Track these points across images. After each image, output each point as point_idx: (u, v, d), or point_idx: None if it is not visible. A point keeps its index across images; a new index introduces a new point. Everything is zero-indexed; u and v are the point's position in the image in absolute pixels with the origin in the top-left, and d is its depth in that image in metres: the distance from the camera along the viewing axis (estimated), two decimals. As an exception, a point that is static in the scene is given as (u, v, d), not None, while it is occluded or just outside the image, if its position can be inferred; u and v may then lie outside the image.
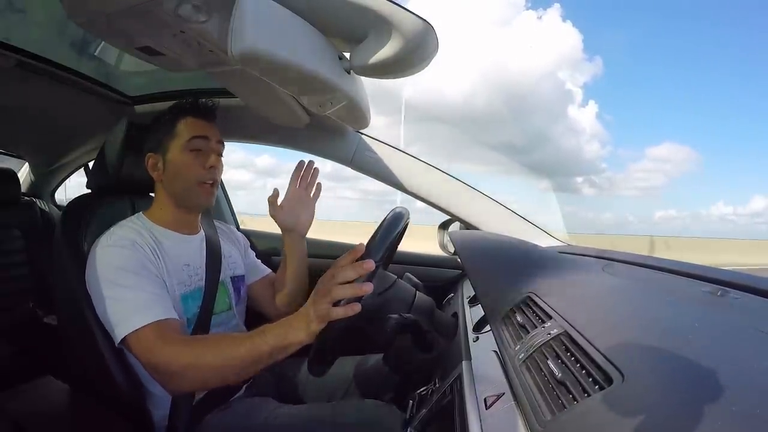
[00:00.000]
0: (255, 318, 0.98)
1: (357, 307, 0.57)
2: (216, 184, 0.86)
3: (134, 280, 0.70)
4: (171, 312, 0.71)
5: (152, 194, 1.00)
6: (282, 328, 0.61)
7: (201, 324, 0.80)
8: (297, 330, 0.59)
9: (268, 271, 1.05)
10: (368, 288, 0.57)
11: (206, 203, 0.85)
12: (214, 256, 0.88)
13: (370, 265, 0.57)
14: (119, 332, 0.67)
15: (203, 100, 0.87)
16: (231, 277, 0.92)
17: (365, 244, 0.60)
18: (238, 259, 0.97)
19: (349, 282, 0.57)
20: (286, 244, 0.95)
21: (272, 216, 0.91)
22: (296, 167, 0.94)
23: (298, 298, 0.96)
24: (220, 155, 0.86)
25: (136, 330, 0.66)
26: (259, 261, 1.06)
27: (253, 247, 1.07)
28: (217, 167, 0.84)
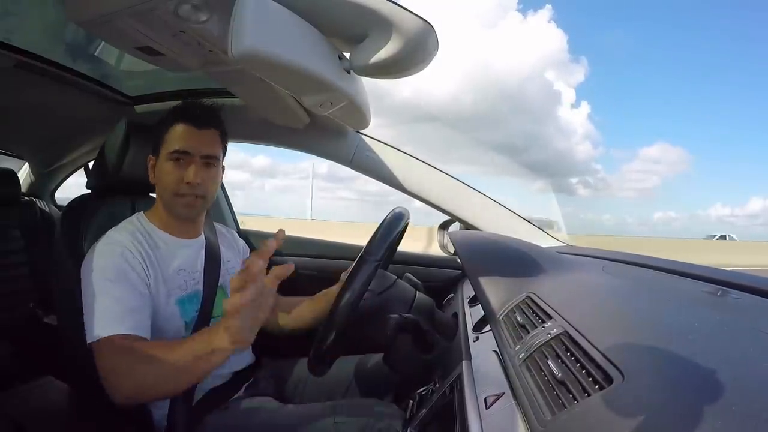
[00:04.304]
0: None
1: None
2: (200, 197, 0.80)
3: (112, 290, 0.69)
4: (137, 328, 0.68)
5: (153, 194, 1.01)
6: (207, 334, 0.60)
7: (200, 327, 0.80)
8: (221, 338, 0.57)
9: None
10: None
11: (185, 214, 0.81)
12: (213, 262, 0.87)
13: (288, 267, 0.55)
14: (87, 338, 0.67)
15: (202, 101, 0.84)
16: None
17: (277, 235, 0.55)
18: (236, 266, 0.97)
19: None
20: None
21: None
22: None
23: (298, 330, 0.98)
24: (211, 165, 0.81)
25: (97, 340, 0.65)
26: None
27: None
28: (194, 183, 0.78)
